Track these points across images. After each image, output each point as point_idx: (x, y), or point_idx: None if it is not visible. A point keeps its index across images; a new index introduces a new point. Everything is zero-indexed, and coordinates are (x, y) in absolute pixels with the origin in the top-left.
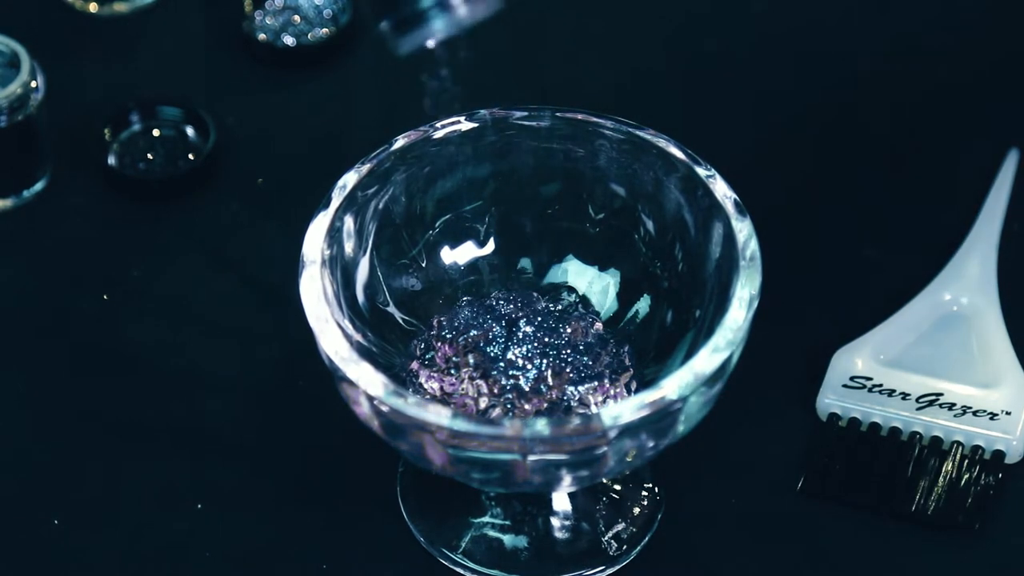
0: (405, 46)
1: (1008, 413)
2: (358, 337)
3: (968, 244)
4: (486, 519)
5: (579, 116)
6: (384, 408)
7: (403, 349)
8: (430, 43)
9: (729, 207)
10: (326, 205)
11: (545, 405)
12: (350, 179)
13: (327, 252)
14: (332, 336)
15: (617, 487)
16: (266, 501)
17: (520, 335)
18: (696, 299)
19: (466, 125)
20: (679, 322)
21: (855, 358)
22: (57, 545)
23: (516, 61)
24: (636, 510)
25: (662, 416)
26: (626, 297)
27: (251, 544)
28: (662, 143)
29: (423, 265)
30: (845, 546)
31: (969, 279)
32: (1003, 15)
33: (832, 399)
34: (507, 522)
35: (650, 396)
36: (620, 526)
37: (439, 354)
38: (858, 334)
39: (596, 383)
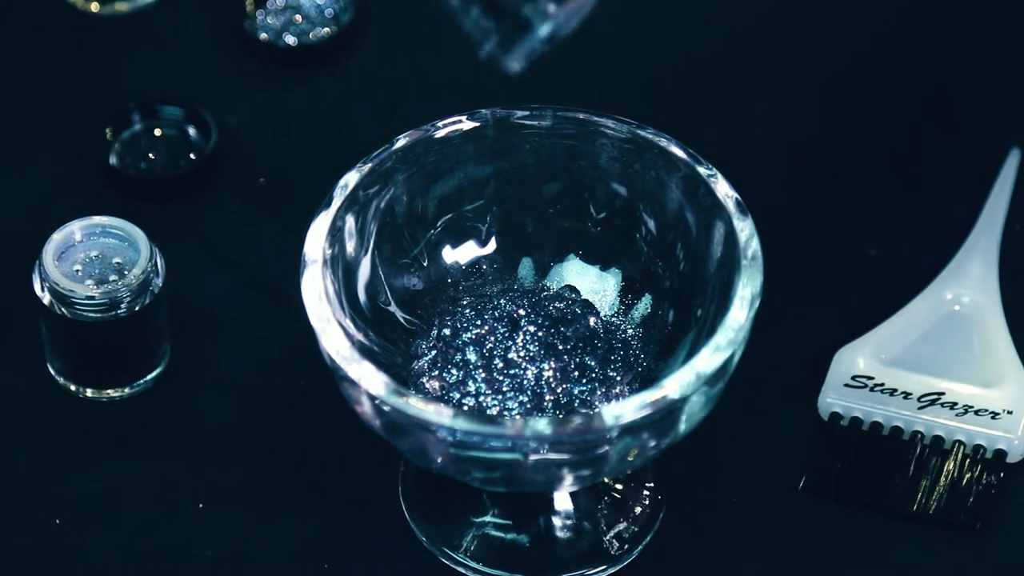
0: (516, 62)
1: (1010, 412)
2: (359, 336)
3: (970, 243)
4: (487, 518)
5: (580, 115)
6: (386, 407)
7: (404, 348)
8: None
9: (731, 206)
10: (327, 204)
11: (547, 404)
12: (351, 178)
13: (328, 251)
14: (334, 335)
15: (619, 486)
16: (267, 500)
17: (522, 334)
18: (698, 298)
19: (467, 124)
20: (680, 321)
21: (857, 357)
22: (59, 545)
23: None
24: (638, 510)
25: (664, 415)
26: (627, 296)
27: (252, 544)
28: (663, 142)
29: (424, 264)
30: (847, 546)
31: (971, 278)
32: (1003, 14)
33: (834, 398)
34: (508, 521)
35: (652, 395)
36: (622, 526)
37: (440, 353)
38: (860, 333)
39: (597, 382)
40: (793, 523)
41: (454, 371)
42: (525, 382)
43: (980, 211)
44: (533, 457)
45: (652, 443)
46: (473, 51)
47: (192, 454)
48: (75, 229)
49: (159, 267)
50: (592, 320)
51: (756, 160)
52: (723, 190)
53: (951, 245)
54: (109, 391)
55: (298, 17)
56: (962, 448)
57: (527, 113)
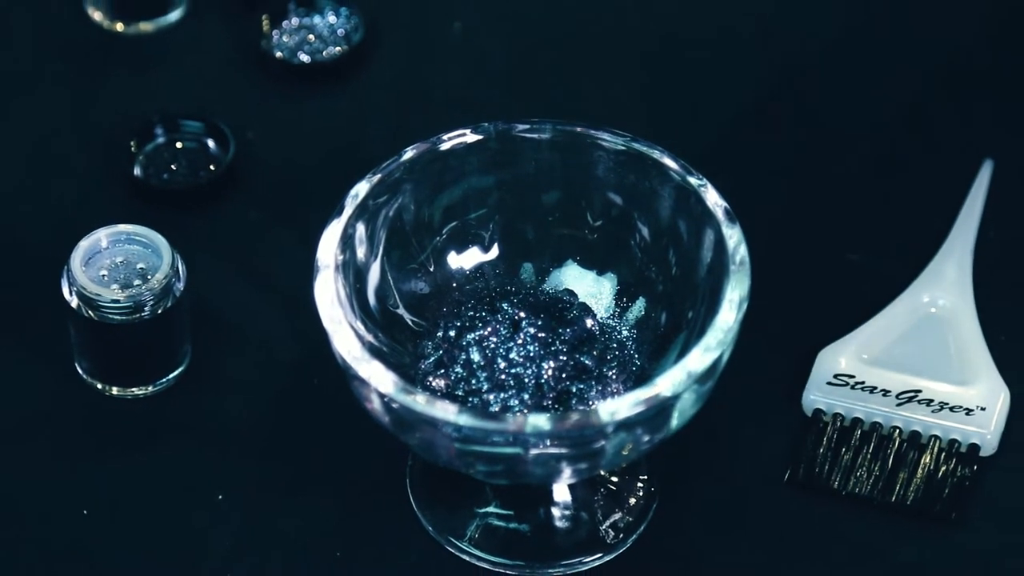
0: None
1: (983, 409)
2: (369, 338)
3: (946, 249)
4: (490, 509)
5: (578, 128)
6: (394, 405)
7: (412, 349)
8: None
9: (720, 214)
10: (339, 213)
11: (546, 401)
12: (362, 188)
13: (340, 257)
14: (345, 337)
15: (614, 479)
16: (282, 492)
17: (523, 335)
18: (688, 301)
19: (471, 137)
20: (672, 323)
21: (839, 357)
22: (87, 533)
23: (517, 76)
24: (632, 501)
25: (657, 412)
26: (622, 299)
27: (268, 533)
28: (656, 154)
29: (431, 270)
30: (828, 534)
31: (947, 282)
32: (984, 27)
33: (817, 396)
34: (510, 512)
35: (645, 393)
36: (617, 516)
37: (446, 353)
38: (842, 334)
39: (594, 381)
40: (778, 513)
41: (459, 370)
42: (526, 380)
43: (955, 219)
44: (533, 451)
45: (646, 438)
46: (477, 68)
47: (211, 448)
48: (101, 236)
49: (180, 272)
50: (589, 322)
51: (744, 171)
52: (713, 199)
53: (928, 251)
54: (133, 389)
55: (312, 37)
56: (938, 442)
57: (528, 126)
